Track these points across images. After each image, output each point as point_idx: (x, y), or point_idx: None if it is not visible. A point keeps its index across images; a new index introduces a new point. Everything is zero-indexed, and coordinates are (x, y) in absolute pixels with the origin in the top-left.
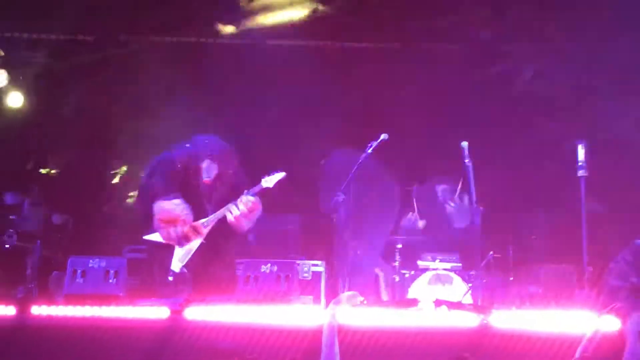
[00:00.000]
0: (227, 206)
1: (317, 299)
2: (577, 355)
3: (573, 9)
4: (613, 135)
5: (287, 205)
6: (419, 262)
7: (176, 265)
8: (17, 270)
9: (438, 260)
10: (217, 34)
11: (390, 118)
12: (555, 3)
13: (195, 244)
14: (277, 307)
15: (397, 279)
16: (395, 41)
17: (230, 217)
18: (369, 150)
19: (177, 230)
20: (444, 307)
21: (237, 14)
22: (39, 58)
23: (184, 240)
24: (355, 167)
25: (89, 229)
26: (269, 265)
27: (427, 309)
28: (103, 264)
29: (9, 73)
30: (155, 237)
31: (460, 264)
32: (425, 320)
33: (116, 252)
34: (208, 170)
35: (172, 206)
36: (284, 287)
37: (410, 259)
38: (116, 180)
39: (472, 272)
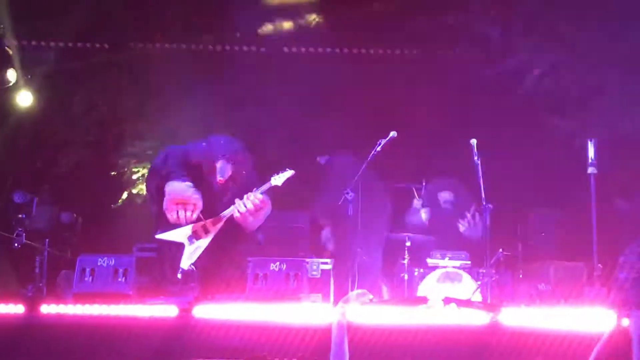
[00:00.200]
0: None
1: (326, 297)
2: (591, 357)
3: (583, 5)
4: (630, 132)
5: (296, 203)
6: (429, 260)
7: (185, 262)
8: (26, 269)
9: (447, 258)
10: (230, 40)
11: (399, 117)
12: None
13: (204, 242)
14: (286, 306)
15: (405, 277)
16: (402, 42)
17: (236, 214)
18: (379, 148)
19: (187, 213)
20: (453, 305)
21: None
22: (50, 57)
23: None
24: (365, 165)
25: (98, 228)
26: (278, 263)
27: (436, 306)
28: (112, 262)
29: (18, 72)
30: (167, 235)
31: (469, 262)
32: (434, 318)
33: (125, 251)
34: (222, 171)
35: (184, 187)
36: (293, 285)
37: (419, 256)
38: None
39: (482, 270)
